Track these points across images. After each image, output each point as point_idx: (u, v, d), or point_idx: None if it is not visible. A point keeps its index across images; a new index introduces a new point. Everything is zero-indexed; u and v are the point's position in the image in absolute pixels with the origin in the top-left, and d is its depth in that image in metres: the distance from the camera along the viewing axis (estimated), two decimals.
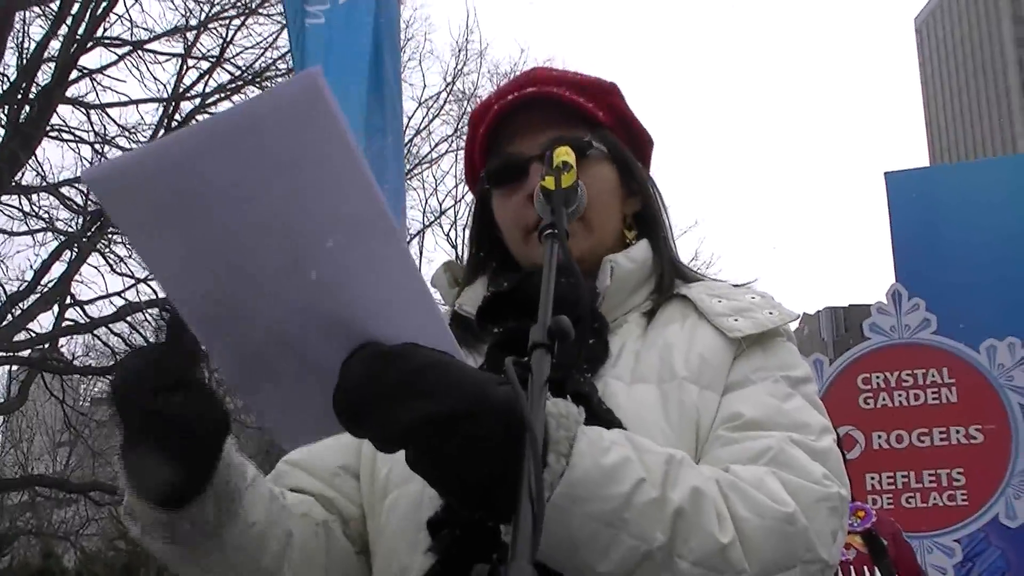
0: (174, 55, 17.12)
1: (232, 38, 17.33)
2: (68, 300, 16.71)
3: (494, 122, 1.77)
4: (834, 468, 1.47)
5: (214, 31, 17.32)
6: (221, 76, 17.71)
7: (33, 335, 16.81)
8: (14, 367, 18.20)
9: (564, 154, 1.57)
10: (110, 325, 17.12)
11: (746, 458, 1.46)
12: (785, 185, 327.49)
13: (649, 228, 1.80)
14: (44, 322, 17.02)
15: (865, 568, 5.05)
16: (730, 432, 1.51)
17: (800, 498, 1.39)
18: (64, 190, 16.43)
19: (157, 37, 16.78)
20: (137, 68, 16.64)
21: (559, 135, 1.72)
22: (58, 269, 16.46)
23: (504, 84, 1.86)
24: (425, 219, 21.78)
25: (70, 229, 16.35)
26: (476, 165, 1.85)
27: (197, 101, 17.55)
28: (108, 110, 16.77)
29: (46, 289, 16.35)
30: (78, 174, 16.48)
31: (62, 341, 18.03)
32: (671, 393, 1.55)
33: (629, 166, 1.80)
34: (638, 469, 1.31)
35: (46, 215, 16.31)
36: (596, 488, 1.26)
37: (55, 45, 16.12)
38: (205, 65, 17.50)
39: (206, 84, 17.62)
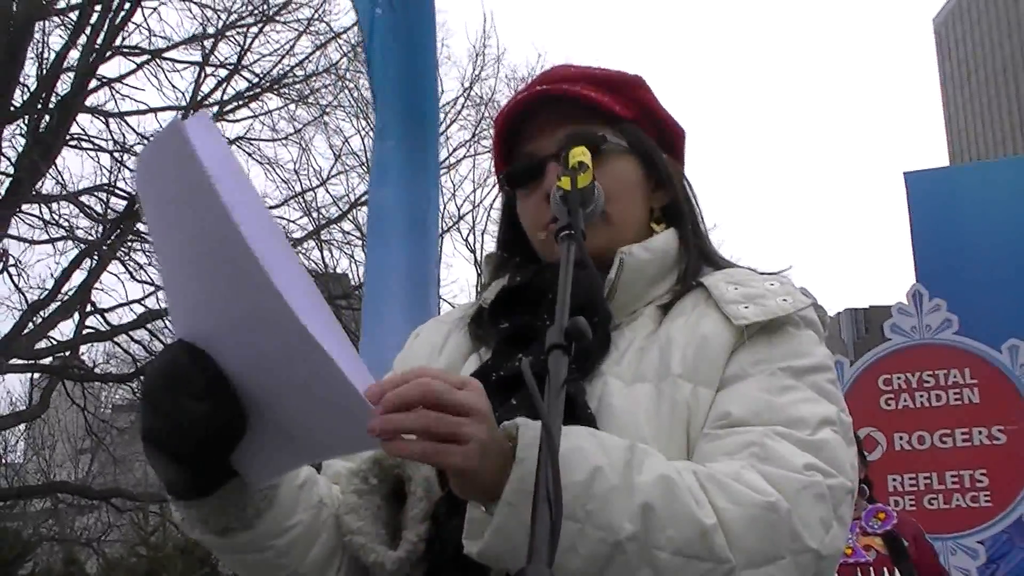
0: (192, 63, 17.20)
1: (250, 46, 17.41)
2: (88, 308, 16.79)
3: (508, 123, 1.77)
4: (828, 458, 1.42)
5: (232, 39, 17.41)
6: (239, 83, 17.81)
7: (54, 343, 16.90)
8: (36, 375, 18.28)
9: (580, 154, 1.56)
10: (130, 332, 17.22)
11: (725, 453, 1.43)
12: (804, 186, 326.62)
13: (677, 220, 1.77)
14: (65, 330, 17.11)
15: (885, 570, 5.02)
16: (715, 430, 1.48)
17: (781, 488, 1.36)
18: (84, 198, 16.53)
19: (175, 45, 16.87)
20: (155, 76, 16.75)
21: (573, 131, 1.70)
22: (78, 277, 16.56)
23: (524, 85, 1.85)
24: (443, 224, 21.74)
25: (90, 237, 16.43)
26: (499, 166, 1.85)
27: (215, 109, 17.62)
28: (127, 118, 16.89)
29: (67, 297, 16.43)
30: (98, 183, 16.62)
31: (83, 348, 18.16)
32: (665, 391, 1.53)
33: (653, 159, 1.77)
34: (594, 457, 1.29)
35: (66, 223, 16.41)
36: None
37: (74, 55, 16.23)
38: (223, 73, 17.59)
39: (224, 92, 17.70)
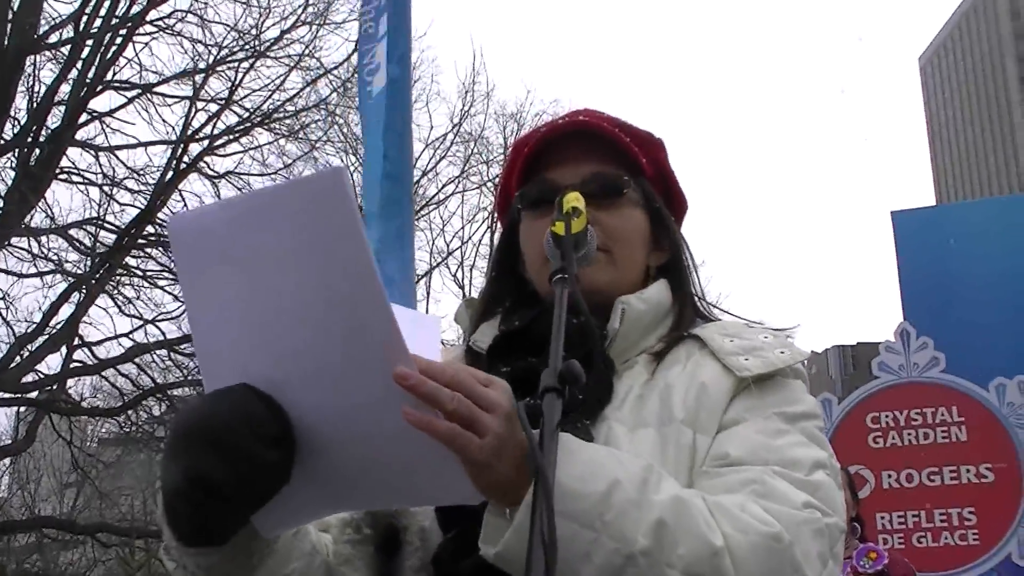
0: (183, 98, 17.23)
1: (240, 81, 17.44)
2: (76, 341, 16.69)
3: (539, 146, 1.78)
4: (824, 498, 1.47)
5: (222, 74, 17.45)
6: (229, 118, 17.82)
7: (41, 376, 16.79)
8: (22, 408, 18.16)
9: (574, 200, 1.58)
10: (118, 366, 17.11)
11: (726, 489, 1.45)
12: (793, 224, 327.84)
13: (672, 276, 1.80)
14: (52, 363, 17.00)
15: None
16: (714, 468, 1.52)
17: (783, 522, 1.39)
18: (73, 232, 16.48)
19: (166, 80, 16.90)
20: (146, 110, 16.76)
21: (599, 170, 1.74)
22: (66, 311, 16.45)
23: (554, 118, 1.86)
24: (432, 260, 21.76)
25: (79, 271, 16.37)
26: (511, 190, 1.86)
27: (205, 143, 17.64)
28: (117, 152, 16.85)
29: (54, 331, 16.33)
30: (87, 216, 16.59)
31: (70, 382, 18.00)
32: (670, 436, 1.55)
33: (662, 219, 1.81)
34: (614, 470, 1.32)
35: (55, 257, 16.34)
36: (569, 485, 1.27)
37: (65, 88, 16.23)
38: (214, 107, 17.60)
39: (214, 126, 17.71)
